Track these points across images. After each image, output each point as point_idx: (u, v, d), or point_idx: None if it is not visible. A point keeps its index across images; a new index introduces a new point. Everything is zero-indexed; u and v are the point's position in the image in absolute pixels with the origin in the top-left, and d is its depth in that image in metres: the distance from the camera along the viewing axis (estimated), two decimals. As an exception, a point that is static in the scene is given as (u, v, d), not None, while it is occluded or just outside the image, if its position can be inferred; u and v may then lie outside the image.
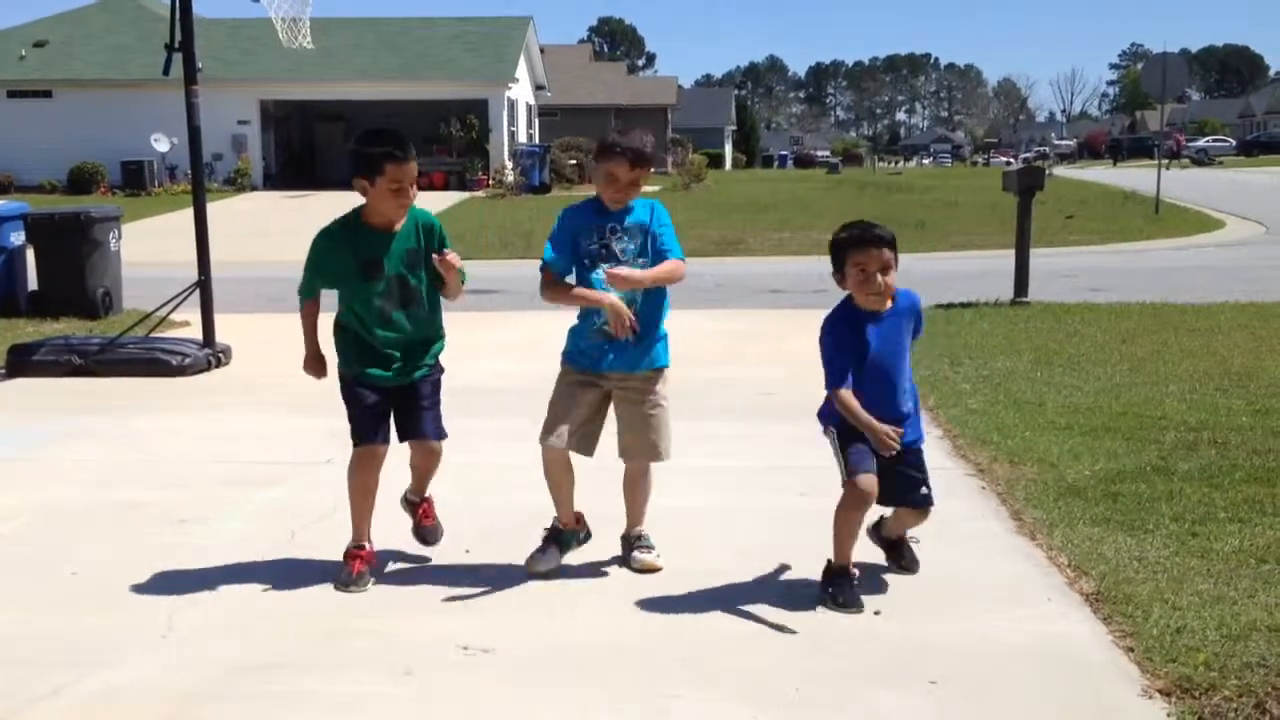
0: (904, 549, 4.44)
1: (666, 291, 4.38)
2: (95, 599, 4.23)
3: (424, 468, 4.61)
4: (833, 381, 4.05)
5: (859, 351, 4.05)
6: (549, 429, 4.33)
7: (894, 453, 3.98)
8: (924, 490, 4.22)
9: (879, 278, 4.00)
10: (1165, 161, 56.76)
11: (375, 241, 4.28)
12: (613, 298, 4.22)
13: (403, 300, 4.32)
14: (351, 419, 4.40)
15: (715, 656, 3.71)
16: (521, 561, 4.49)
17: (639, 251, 4.27)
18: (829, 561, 4.15)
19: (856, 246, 4.04)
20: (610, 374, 4.34)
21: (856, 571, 4.15)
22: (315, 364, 4.49)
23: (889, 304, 4.10)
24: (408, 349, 4.37)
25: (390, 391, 4.39)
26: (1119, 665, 3.60)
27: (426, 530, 4.72)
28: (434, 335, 4.47)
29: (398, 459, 4.56)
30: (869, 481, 4.02)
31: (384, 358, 4.34)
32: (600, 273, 4.23)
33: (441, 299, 4.46)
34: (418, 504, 4.73)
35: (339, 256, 4.30)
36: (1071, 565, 4.39)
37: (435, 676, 3.59)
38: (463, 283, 4.41)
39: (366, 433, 4.38)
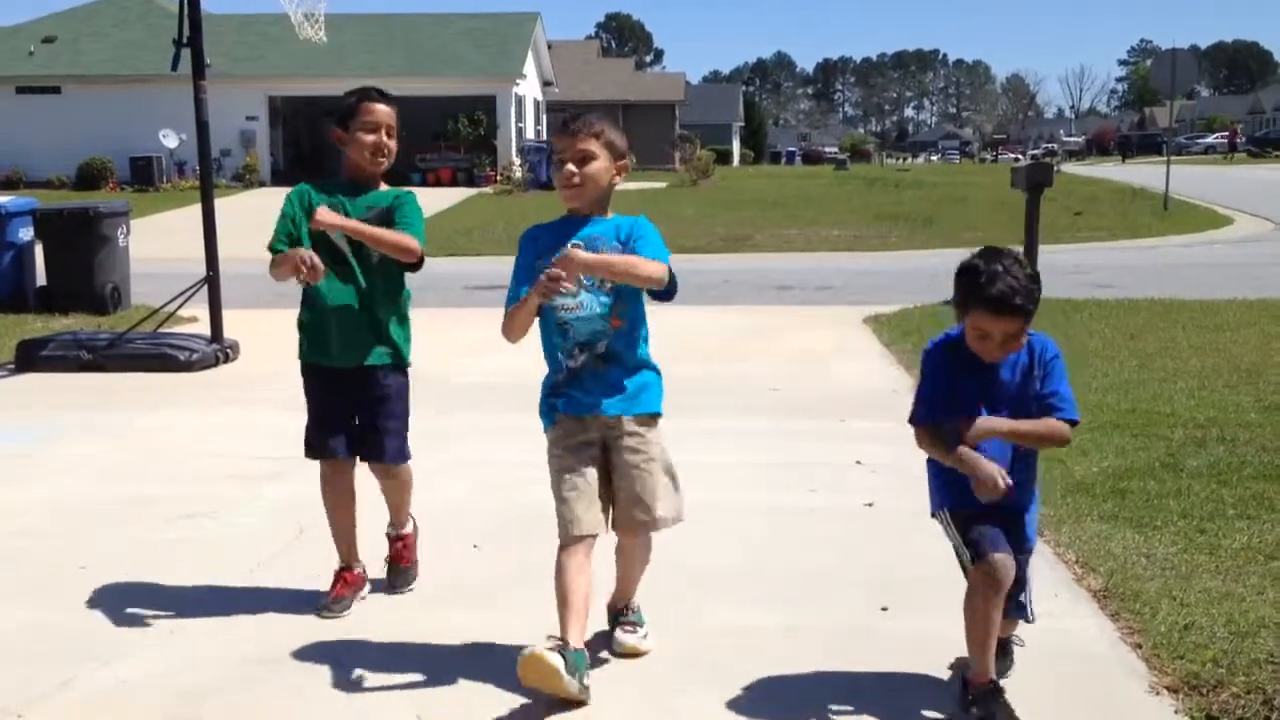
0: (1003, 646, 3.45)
1: (644, 317, 3.61)
2: (104, 594, 4.24)
3: (387, 493, 4.23)
4: (913, 415, 3.32)
5: (962, 398, 3.24)
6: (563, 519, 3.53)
7: (999, 496, 3.13)
8: (1018, 598, 3.33)
9: (998, 348, 3.23)
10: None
11: (338, 193, 3.98)
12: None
13: (333, 257, 3.88)
14: (306, 426, 4.08)
15: (721, 654, 3.71)
16: (528, 558, 4.47)
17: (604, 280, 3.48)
18: (964, 677, 3.30)
19: (987, 309, 3.13)
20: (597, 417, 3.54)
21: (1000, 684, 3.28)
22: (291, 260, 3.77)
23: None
24: (346, 320, 3.94)
25: (345, 384, 4.01)
26: (1126, 662, 3.60)
27: (397, 572, 4.25)
28: (385, 311, 4.00)
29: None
30: (1004, 561, 3.16)
31: (325, 332, 3.97)
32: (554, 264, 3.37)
33: (404, 272, 4.00)
34: (392, 539, 4.28)
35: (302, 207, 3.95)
36: (1079, 562, 4.38)
37: (442, 672, 3.59)
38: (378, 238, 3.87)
39: (316, 442, 4.06)
